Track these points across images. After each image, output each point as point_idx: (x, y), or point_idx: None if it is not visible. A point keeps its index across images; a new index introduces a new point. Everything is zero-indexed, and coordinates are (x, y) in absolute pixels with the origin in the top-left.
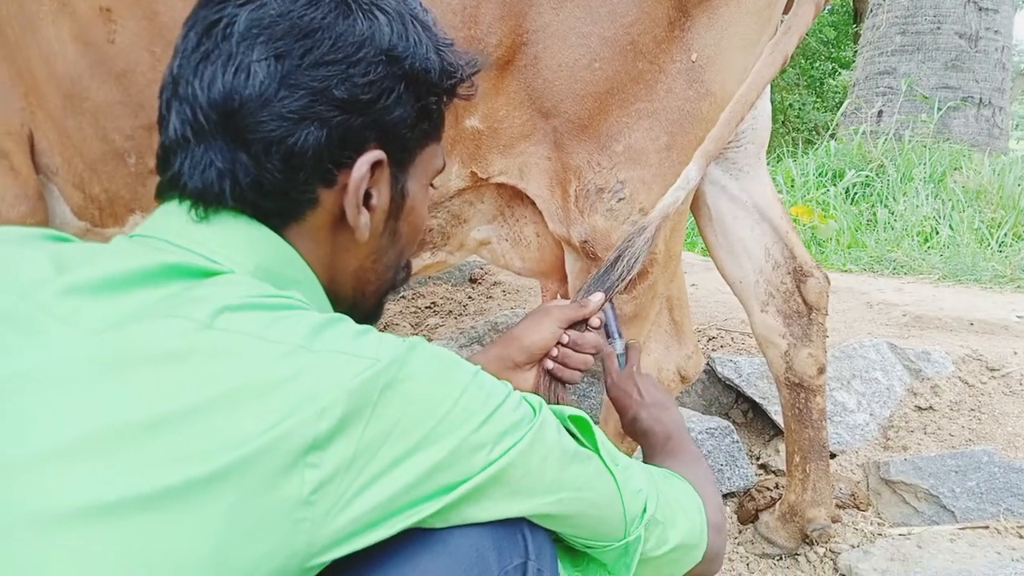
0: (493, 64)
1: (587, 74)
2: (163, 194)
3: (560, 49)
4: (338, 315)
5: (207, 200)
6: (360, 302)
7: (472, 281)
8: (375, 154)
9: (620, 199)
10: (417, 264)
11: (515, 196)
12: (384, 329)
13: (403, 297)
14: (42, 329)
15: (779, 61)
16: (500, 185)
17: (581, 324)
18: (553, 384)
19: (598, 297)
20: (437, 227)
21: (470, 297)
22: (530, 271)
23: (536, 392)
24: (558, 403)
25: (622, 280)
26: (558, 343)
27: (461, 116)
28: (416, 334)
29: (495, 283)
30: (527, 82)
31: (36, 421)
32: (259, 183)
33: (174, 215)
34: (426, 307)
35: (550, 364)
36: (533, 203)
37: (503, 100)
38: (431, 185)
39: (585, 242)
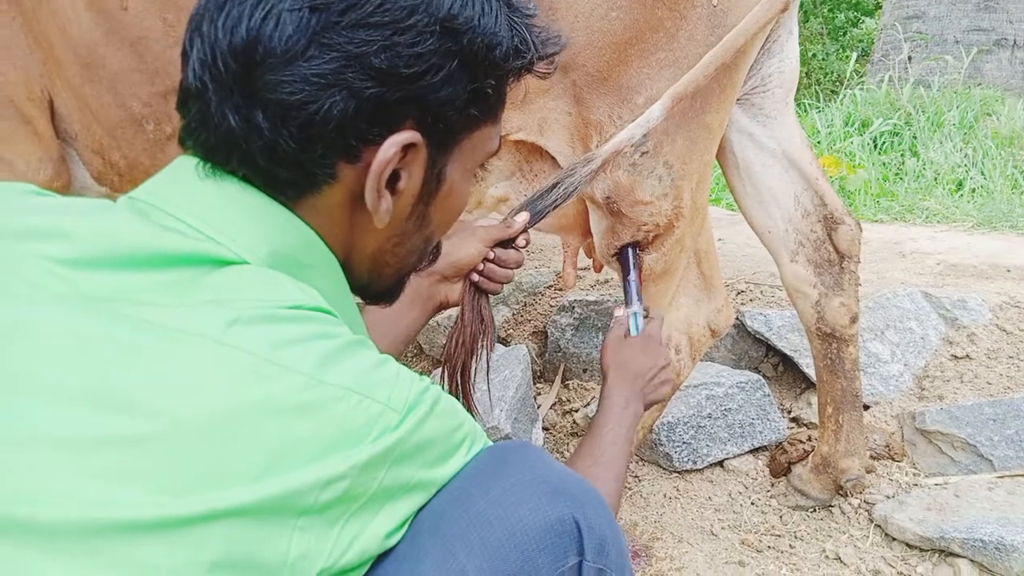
0: None
1: (604, 24)
2: (183, 143)
3: None
4: (357, 338)
5: (216, 158)
6: (375, 283)
7: None
8: (408, 135)
9: (643, 153)
10: None
11: (534, 151)
12: None
13: None
14: (36, 288)
15: (779, 5)
16: (518, 142)
17: (509, 243)
18: (477, 295)
19: (523, 217)
20: None
21: None
22: (549, 226)
23: (461, 301)
24: (479, 312)
25: (555, 206)
26: (485, 259)
27: None
28: None
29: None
30: None
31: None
32: (272, 149)
33: (182, 173)
34: None
35: (476, 277)
36: (552, 158)
37: None
38: (482, 166)
39: (608, 199)
